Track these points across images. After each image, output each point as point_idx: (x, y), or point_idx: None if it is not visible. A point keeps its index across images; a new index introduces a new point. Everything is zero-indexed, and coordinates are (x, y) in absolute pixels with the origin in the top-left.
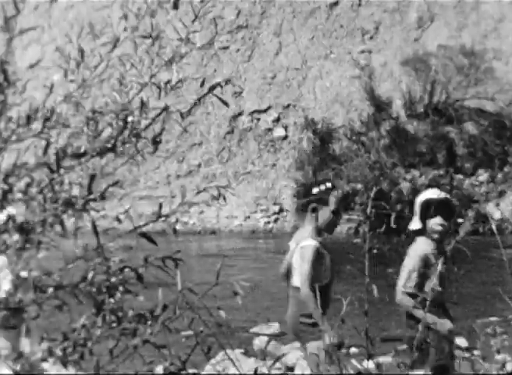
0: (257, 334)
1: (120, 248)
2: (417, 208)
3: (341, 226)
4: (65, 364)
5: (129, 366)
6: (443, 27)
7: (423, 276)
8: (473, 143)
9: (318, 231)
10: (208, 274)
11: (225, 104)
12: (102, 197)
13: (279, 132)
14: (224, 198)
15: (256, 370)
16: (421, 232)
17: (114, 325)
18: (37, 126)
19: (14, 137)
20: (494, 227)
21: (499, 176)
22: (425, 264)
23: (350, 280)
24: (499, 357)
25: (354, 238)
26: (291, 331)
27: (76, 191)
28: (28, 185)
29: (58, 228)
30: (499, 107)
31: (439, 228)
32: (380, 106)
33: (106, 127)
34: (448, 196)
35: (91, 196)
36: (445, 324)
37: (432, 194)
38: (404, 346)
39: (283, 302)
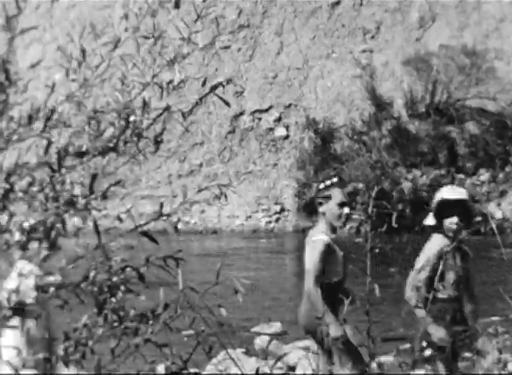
0: (259, 334)
1: (122, 247)
2: (433, 205)
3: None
4: (66, 363)
5: (131, 365)
6: (445, 27)
7: (436, 272)
8: (474, 143)
9: (332, 228)
10: (209, 274)
11: (227, 104)
12: (104, 196)
13: (281, 131)
14: (225, 197)
15: (257, 370)
16: (436, 228)
17: (115, 324)
18: (38, 125)
19: (15, 137)
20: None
21: (501, 175)
22: (439, 260)
23: (352, 280)
24: (500, 357)
25: (356, 238)
26: (303, 329)
27: (77, 191)
28: (30, 185)
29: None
30: (500, 107)
31: (455, 227)
32: (381, 106)
33: (108, 127)
34: (466, 194)
35: (93, 195)
36: (437, 333)
37: (450, 192)
38: (407, 345)
39: (284, 302)
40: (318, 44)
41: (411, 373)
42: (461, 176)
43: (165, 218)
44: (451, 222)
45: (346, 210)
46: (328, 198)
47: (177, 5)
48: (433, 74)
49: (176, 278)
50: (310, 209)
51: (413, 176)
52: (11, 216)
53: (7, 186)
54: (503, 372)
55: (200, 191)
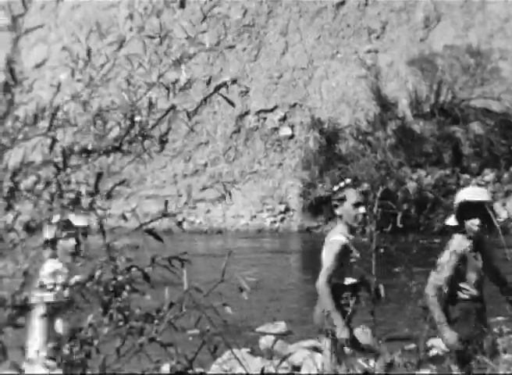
0: (264, 333)
1: (127, 246)
2: (455, 206)
3: None
4: (71, 363)
5: (136, 364)
6: (450, 27)
7: (457, 273)
8: (479, 143)
9: (351, 229)
10: (214, 273)
11: (231, 103)
12: (109, 196)
13: (286, 131)
14: (230, 195)
15: (263, 370)
16: (458, 228)
17: (121, 324)
18: (43, 124)
19: (21, 136)
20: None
21: (505, 175)
22: (461, 260)
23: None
24: (505, 357)
25: (361, 238)
26: (318, 328)
27: (83, 190)
28: (35, 183)
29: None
30: (505, 107)
31: (477, 228)
32: (386, 106)
33: (114, 126)
34: (488, 196)
35: (98, 195)
36: (450, 339)
37: (472, 193)
38: (412, 345)
39: (289, 302)
40: (323, 44)
41: (416, 372)
42: (466, 176)
43: (169, 216)
44: (473, 223)
45: (362, 210)
46: (343, 199)
47: (182, 5)
48: (438, 74)
49: (181, 278)
50: (315, 209)
51: (418, 176)
52: (16, 215)
53: (12, 185)
54: (508, 372)
55: (204, 189)
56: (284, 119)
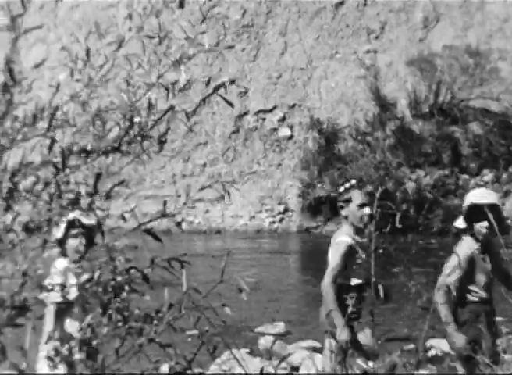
0: (263, 334)
1: (126, 247)
2: (464, 208)
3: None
4: (70, 363)
5: (135, 365)
6: (449, 27)
7: (466, 275)
8: (478, 143)
9: (358, 230)
10: (212, 273)
11: (230, 104)
12: (108, 196)
13: (285, 132)
14: (229, 194)
15: (262, 370)
16: (467, 230)
17: (120, 324)
18: (43, 125)
19: (20, 136)
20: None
21: (504, 176)
22: (470, 263)
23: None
24: (504, 357)
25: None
26: (324, 328)
27: (82, 190)
28: (34, 184)
29: None
30: (504, 107)
31: (485, 231)
32: (385, 106)
33: (114, 127)
34: (496, 199)
35: (97, 195)
36: (458, 342)
37: (480, 196)
38: (411, 346)
39: (288, 302)
40: (322, 44)
41: (415, 373)
42: (465, 176)
43: (168, 217)
44: (481, 226)
45: (367, 210)
46: (349, 200)
47: (181, 5)
48: (437, 74)
49: (181, 279)
50: (314, 210)
51: (416, 176)
52: (15, 215)
53: (12, 185)
54: (507, 372)
55: (202, 188)
56: (283, 119)
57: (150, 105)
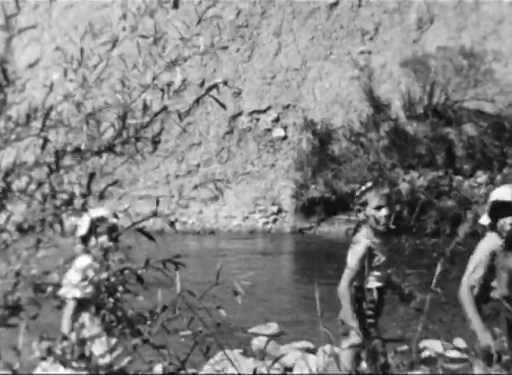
0: (256, 334)
1: (119, 246)
2: (488, 205)
3: (340, 227)
4: (64, 363)
5: (129, 365)
6: (443, 28)
7: (489, 272)
8: (472, 144)
9: (377, 232)
10: (206, 274)
11: (223, 106)
12: (101, 196)
13: (279, 132)
14: (222, 193)
15: (255, 370)
16: (491, 227)
17: (113, 324)
18: (36, 125)
19: (13, 136)
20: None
21: (498, 177)
22: (493, 259)
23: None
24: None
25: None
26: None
27: (75, 190)
28: (28, 184)
29: (57, 227)
30: (498, 108)
31: (509, 228)
32: (379, 107)
33: (108, 127)
34: None
35: (90, 195)
36: (485, 338)
37: (505, 192)
38: (404, 347)
39: (281, 303)
40: (316, 45)
41: (408, 374)
42: (459, 177)
43: (161, 217)
44: (505, 222)
45: (384, 212)
46: (365, 203)
47: (176, 5)
48: (431, 76)
49: (174, 279)
50: (308, 210)
51: (410, 177)
52: (9, 215)
53: (5, 185)
54: (503, 372)
55: (196, 187)
56: (277, 120)
57: (145, 107)
